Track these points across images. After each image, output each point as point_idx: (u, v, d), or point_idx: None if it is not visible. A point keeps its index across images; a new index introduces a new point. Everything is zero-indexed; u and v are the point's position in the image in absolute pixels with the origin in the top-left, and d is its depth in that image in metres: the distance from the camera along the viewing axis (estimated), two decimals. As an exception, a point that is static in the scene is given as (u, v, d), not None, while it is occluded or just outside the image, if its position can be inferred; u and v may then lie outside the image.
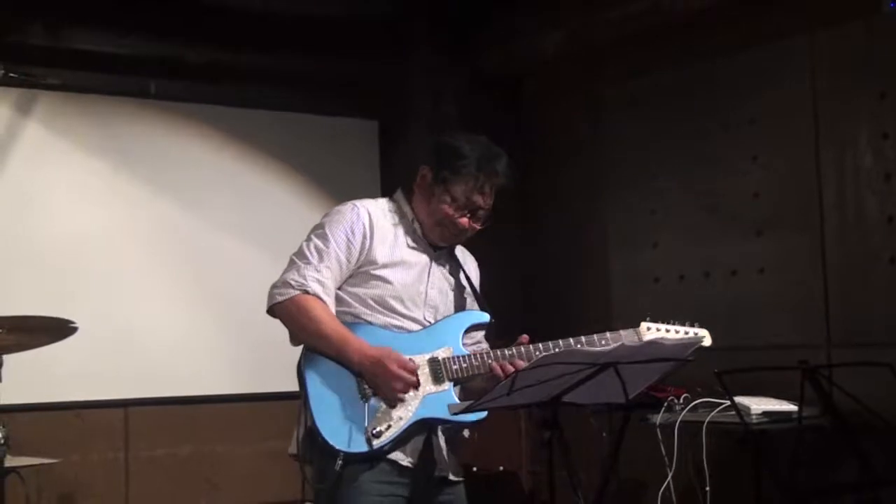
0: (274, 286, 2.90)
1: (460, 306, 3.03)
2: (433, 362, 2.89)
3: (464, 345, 2.95)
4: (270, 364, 5.40)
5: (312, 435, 2.79)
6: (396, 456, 2.82)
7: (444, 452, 2.91)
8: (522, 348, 2.90)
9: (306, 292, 2.84)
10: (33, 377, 4.86)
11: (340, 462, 2.74)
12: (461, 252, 3.15)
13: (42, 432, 4.97)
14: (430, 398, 2.84)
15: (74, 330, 4.02)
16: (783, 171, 4.84)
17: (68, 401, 5.20)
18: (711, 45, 5.09)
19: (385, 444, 2.79)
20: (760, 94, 4.92)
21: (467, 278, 3.08)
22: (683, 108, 5.29)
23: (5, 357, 3.89)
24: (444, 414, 2.84)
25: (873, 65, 4.49)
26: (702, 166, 5.19)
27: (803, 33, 4.74)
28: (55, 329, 4.02)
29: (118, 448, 5.40)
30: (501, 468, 5.27)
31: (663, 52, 5.31)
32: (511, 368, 2.81)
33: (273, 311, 2.89)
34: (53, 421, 5.14)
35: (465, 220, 2.96)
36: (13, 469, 4.09)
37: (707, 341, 3.04)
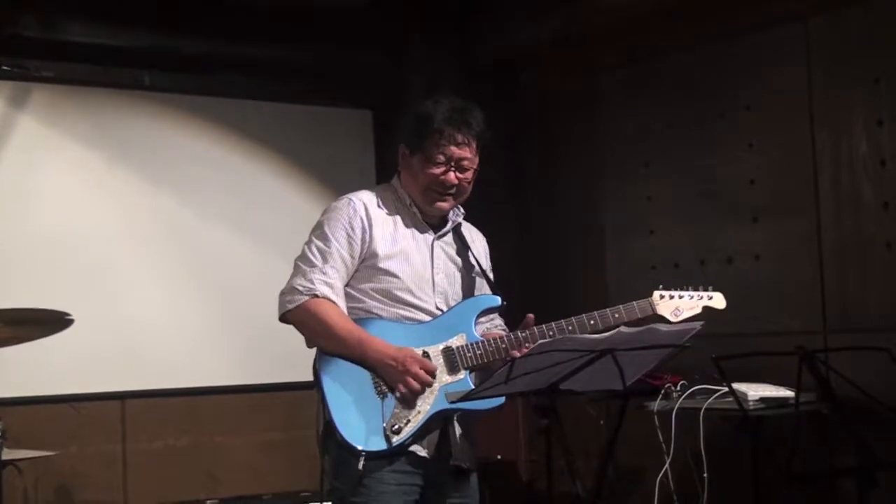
0: (282, 293, 2.89)
1: (468, 289, 3.01)
2: (447, 352, 2.87)
3: (477, 328, 2.93)
4: (268, 355, 5.42)
5: (330, 430, 2.78)
6: (415, 448, 2.82)
7: (460, 442, 2.90)
8: (536, 330, 2.88)
9: (315, 296, 2.83)
10: (30, 370, 4.88)
11: (363, 461, 2.73)
12: (468, 230, 3.13)
13: (39, 425, 4.96)
14: (447, 389, 2.83)
15: (70, 322, 4.00)
16: (779, 157, 4.84)
17: (65, 393, 5.19)
18: (708, 31, 5.07)
19: (405, 440, 2.78)
20: (756, 81, 4.92)
21: (475, 258, 3.06)
22: (680, 94, 5.28)
23: (1, 350, 3.88)
24: (460, 404, 2.82)
25: (868, 51, 4.49)
26: (698, 153, 5.18)
27: (799, 20, 4.73)
28: (51, 321, 4.00)
29: (116, 440, 5.39)
30: (499, 457, 5.27)
31: (659, 39, 5.30)
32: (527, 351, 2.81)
33: (285, 318, 2.89)
34: (50, 413, 5.13)
35: (451, 175, 2.94)
36: (11, 462, 4.09)
37: (721, 304, 3.07)
